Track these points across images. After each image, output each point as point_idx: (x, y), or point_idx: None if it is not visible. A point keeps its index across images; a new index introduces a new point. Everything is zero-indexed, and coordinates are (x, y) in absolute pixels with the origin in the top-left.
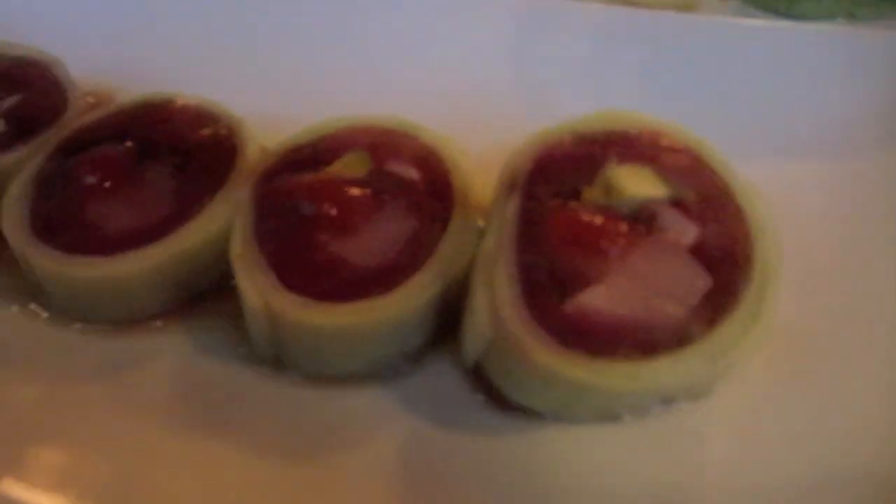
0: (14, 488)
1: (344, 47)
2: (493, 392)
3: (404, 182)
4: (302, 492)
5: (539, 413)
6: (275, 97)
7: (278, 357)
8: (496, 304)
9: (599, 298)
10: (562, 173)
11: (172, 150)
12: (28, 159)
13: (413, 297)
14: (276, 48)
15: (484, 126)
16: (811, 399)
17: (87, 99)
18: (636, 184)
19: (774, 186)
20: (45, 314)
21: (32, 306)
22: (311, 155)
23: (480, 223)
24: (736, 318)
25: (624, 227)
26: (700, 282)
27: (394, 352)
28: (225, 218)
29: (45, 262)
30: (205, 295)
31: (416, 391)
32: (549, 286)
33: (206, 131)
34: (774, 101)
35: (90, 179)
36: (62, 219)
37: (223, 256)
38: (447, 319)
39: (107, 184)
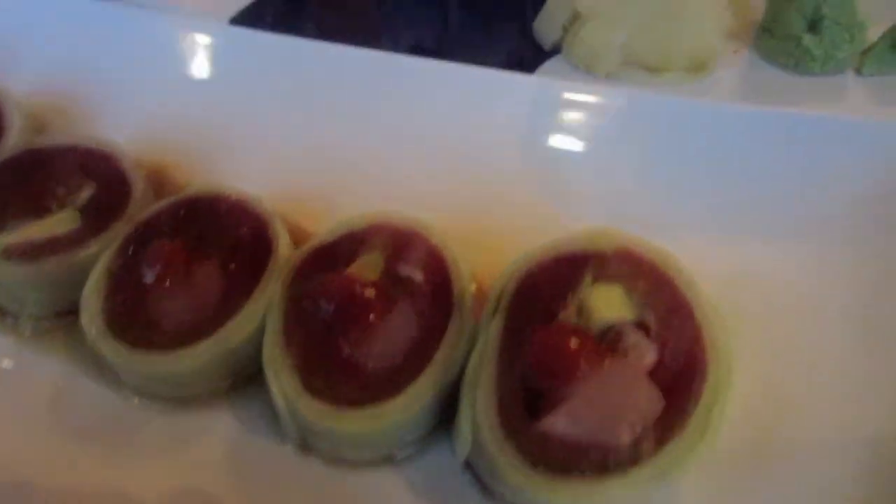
0: None
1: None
2: (481, 481)
3: (411, 286)
4: None
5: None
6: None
7: (304, 440)
8: (476, 423)
9: (562, 422)
10: (540, 294)
11: (216, 245)
12: (100, 253)
13: (415, 402)
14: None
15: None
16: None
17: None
18: (606, 306)
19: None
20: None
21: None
22: (332, 254)
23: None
24: (683, 438)
25: (591, 349)
26: (654, 405)
27: (400, 443)
28: (261, 316)
29: (115, 356)
30: (245, 378)
31: (418, 475)
32: (521, 407)
33: (244, 228)
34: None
35: (152, 277)
36: (128, 315)
37: (260, 348)
38: (447, 408)
39: (166, 282)
